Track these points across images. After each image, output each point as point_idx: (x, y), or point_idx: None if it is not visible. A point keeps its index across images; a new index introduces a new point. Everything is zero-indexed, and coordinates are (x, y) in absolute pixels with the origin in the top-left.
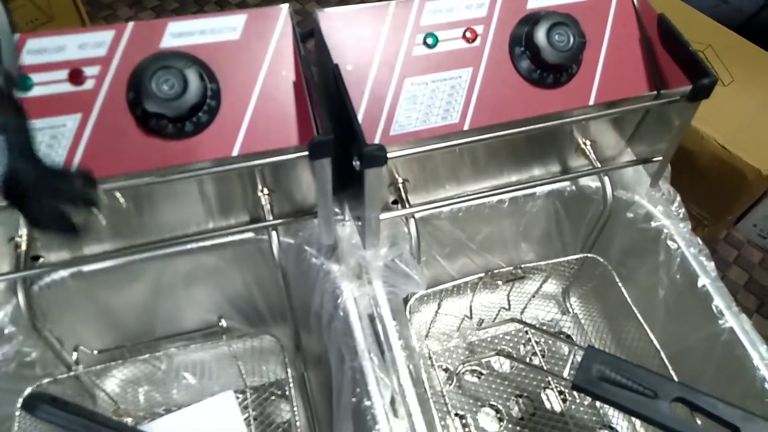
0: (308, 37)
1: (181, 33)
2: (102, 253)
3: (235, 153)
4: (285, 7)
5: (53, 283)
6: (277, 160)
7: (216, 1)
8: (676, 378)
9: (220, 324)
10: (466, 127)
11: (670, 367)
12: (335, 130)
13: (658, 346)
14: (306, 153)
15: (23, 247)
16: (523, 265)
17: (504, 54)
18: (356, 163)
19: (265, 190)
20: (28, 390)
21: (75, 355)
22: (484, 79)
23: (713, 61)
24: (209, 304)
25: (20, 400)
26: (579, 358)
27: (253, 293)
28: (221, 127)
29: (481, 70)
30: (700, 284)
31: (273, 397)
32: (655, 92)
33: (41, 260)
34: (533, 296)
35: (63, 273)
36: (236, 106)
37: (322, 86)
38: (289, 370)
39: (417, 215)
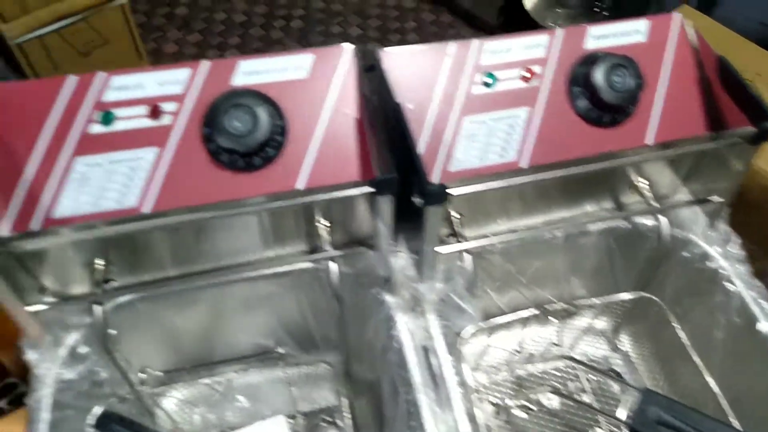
0: (367, 71)
1: (252, 71)
2: (167, 279)
3: (299, 186)
4: (349, 47)
5: (123, 306)
6: (341, 196)
7: (261, 24)
8: (738, 426)
9: (276, 350)
10: (523, 165)
11: (730, 414)
12: (396, 165)
13: (718, 391)
14: (368, 189)
15: (99, 272)
16: (575, 302)
17: (561, 93)
18: (418, 200)
19: (323, 221)
20: (96, 408)
21: (141, 375)
22: (541, 118)
23: (764, 92)
24: (265, 330)
25: (90, 418)
26: (631, 398)
27: (307, 320)
28: (287, 162)
29: (538, 109)
30: (760, 328)
31: (323, 424)
32: (713, 133)
33: (113, 284)
34: (584, 332)
35: (132, 296)
36: (301, 141)
37: (382, 121)
38: (340, 398)
39: (471, 249)
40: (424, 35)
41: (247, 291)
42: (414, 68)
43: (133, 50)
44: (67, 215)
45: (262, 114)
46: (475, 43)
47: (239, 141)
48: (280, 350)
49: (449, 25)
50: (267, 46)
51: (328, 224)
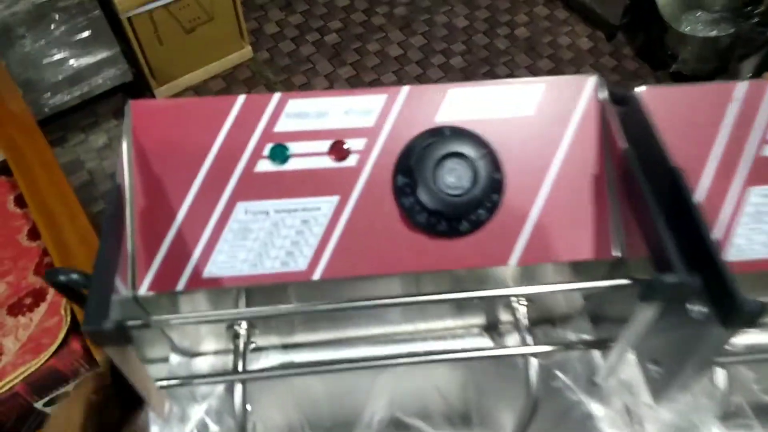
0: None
1: (463, 103)
2: (317, 344)
3: (512, 262)
4: (593, 78)
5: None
6: (584, 287)
7: (364, 9)
8: None
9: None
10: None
11: None
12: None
13: None
14: (622, 282)
15: (242, 336)
16: None
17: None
18: (703, 314)
19: (523, 300)
20: None
21: None
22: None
23: None
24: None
25: None
26: None
27: (468, 403)
28: (499, 228)
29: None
30: None
31: None
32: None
33: (254, 345)
34: None
35: (277, 372)
36: (521, 201)
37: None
38: None
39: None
40: (535, 31)
41: (415, 373)
42: (683, 115)
43: (236, 29)
44: (218, 275)
45: (481, 166)
46: None
47: (450, 201)
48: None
49: (564, 22)
50: (369, 32)
51: (526, 302)
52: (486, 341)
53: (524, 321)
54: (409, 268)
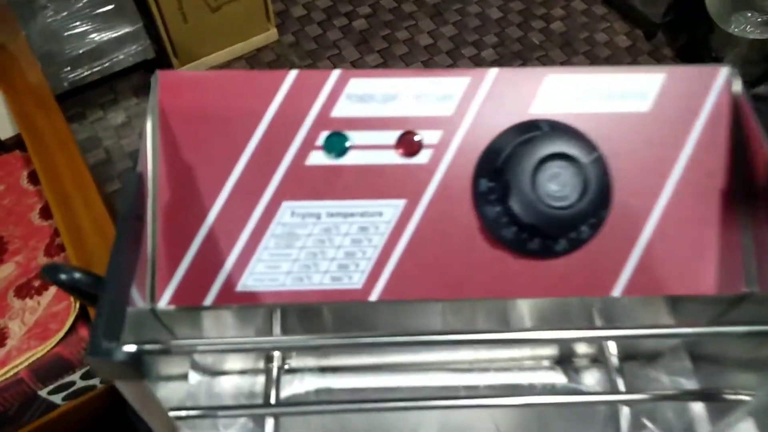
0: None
1: (563, 92)
2: (363, 392)
3: (616, 293)
4: (724, 69)
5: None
6: (713, 333)
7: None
8: None
9: None
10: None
11: None
12: None
13: None
14: (760, 329)
15: (276, 359)
16: None
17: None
18: None
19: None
20: None
21: None
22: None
23: None
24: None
25: None
26: None
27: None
28: (603, 250)
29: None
30: None
31: None
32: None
33: (288, 366)
34: None
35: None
36: (631, 217)
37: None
38: None
39: None
40: (571, 26)
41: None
42: None
43: (262, 10)
44: (255, 288)
45: (592, 172)
46: None
47: (551, 214)
48: None
49: (602, 18)
50: (398, 19)
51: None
52: (559, 376)
53: (614, 360)
54: (487, 293)
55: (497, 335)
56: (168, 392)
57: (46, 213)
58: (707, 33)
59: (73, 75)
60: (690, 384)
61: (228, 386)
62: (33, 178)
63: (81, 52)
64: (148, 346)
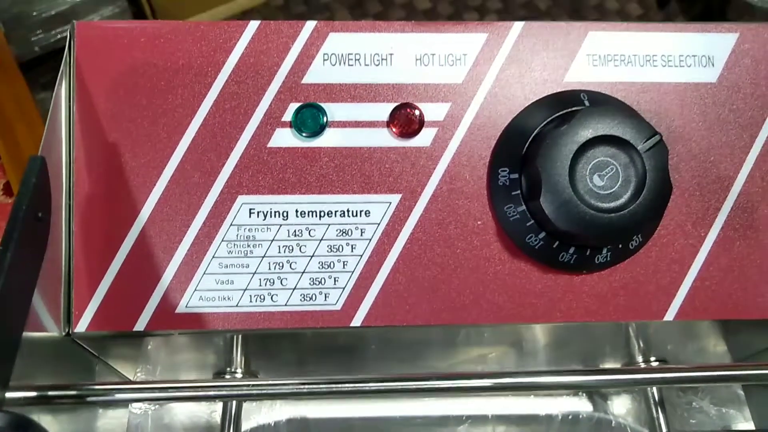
0: None
1: (607, 55)
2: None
3: (669, 317)
4: None
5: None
6: None
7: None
8: None
9: None
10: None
11: None
12: None
13: None
14: None
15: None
16: None
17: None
18: None
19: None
20: None
21: None
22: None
23: None
24: None
25: None
26: None
27: None
28: (655, 263)
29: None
30: None
31: None
32: None
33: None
34: None
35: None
36: (691, 221)
37: None
38: None
39: None
40: None
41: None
42: None
43: None
44: (202, 309)
45: (651, 164)
46: None
47: (596, 217)
48: None
49: None
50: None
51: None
52: (583, 404)
53: (655, 392)
54: (503, 317)
55: (511, 380)
56: (103, 424)
57: (9, 190)
58: (723, 2)
59: (44, 39)
60: (741, 416)
61: (181, 416)
62: None
63: (53, 13)
64: (52, 392)
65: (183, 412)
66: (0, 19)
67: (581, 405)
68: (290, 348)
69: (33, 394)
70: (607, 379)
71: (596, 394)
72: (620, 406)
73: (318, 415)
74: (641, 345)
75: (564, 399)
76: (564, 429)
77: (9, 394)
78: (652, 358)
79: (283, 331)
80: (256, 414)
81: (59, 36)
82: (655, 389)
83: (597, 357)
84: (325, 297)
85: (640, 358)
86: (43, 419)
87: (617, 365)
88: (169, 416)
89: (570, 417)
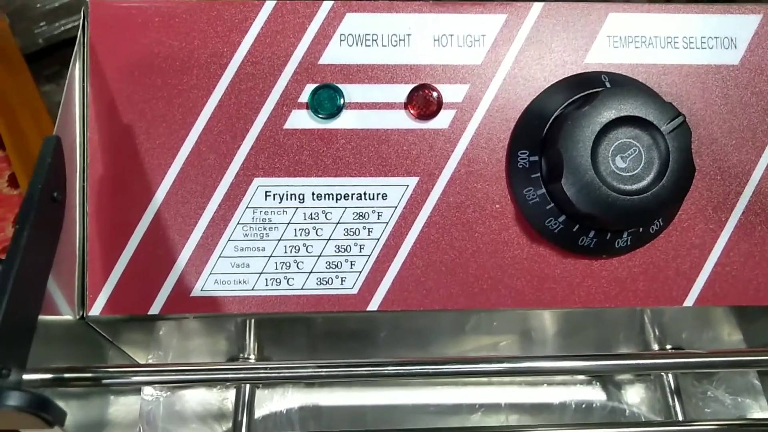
0: None
1: (628, 37)
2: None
3: (689, 302)
4: None
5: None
6: None
7: None
8: None
9: None
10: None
11: None
12: None
13: None
14: None
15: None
16: None
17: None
18: None
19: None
20: None
21: None
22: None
23: None
24: None
25: None
26: None
27: None
28: (675, 247)
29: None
30: None
31: None
32: None
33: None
34: None
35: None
36: (713, 204)
37: None
38: None
39: None
40: None
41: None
42: None
43: None
44: (217, 293)
45: (675, 145)
46: None
47: (618, 199)
48: None
49: None
50: None
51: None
52: (597, 393)
53: (671, 380)
54: (522, 302)
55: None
56: (114, 411)
57: (14, 181)
58: None
59: (48, 31)
60: (756, 405)
61: (193, 403)
62: None
63: (57, 5)
64: (68, 375)
65: (195, 399)
66: (4, 12)
67: (595, 394)
68: (302, 333)
69: (49, 376)
70: (622, 363)
71: (610, 383)
72: (634, 395)
73: (330, 403)
74: (656, 333)
75: (577, 388)
76: (577, 418)
77: (25, 377)
78: (668, 347)
79: (298, 315)
80: (268, 401)
81: (63, 28)
82: (671, 377)
83: (610, 346)
84: (342, 281)
85: (655, 347)
86: None
87: None
88: (181, 403)
89: (583, 406)
